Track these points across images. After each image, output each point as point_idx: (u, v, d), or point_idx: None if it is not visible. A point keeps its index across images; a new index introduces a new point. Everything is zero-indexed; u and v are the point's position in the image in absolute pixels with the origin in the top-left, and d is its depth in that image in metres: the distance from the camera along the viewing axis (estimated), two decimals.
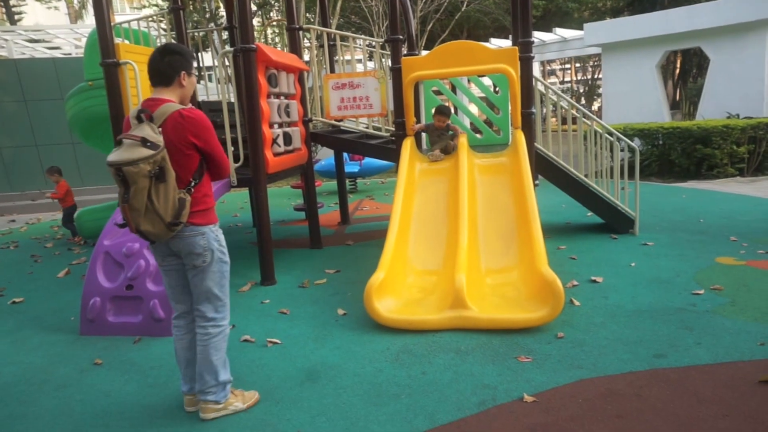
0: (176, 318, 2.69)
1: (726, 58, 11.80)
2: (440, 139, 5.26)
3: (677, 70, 19.31)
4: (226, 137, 4.60)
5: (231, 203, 9.96)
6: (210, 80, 10.41)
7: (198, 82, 9.43)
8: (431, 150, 5.22)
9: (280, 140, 4.97)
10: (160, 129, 2.35)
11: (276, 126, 5.05)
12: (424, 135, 5.76)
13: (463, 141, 5.06)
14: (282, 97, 5.18)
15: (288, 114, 5.24)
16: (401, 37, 5.24)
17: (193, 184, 2.46)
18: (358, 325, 3.68)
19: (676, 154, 9.56)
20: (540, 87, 5.67)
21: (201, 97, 6.74)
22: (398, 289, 3.83)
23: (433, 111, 5.32)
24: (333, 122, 6.18)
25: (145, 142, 2.25)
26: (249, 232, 7.07)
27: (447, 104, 6.19)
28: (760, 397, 2.49)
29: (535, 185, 4.73)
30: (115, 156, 2.25)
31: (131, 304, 3.83)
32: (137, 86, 4.52)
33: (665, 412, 2.43)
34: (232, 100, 5.91)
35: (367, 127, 6.33)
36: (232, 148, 4.60)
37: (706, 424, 2.31)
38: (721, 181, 8.99)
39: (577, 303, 3.81)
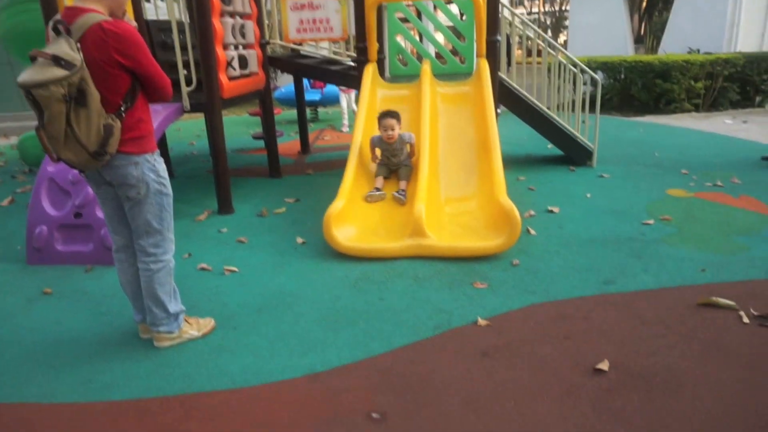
0: (116, 251, 2.55)
1: None
2: (394, 160, 4.14)
3: (644, 3, 19.14)
4: (177, 59, 4.33)
5: (186, 131, 9.58)
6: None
7: (147, 0, 8.77)
8: (378, 174, 4.14)
9: (235, 63, 4.71)
10: (79, 44, 2.06)
11: (231, 48, 4.77)
12: (387, 59, 5.56)
13: (426, 68, 4.92)
14: (237, 17, 4.87)
15: (243, 35, 4.95)
16: None
17: (123, 108, 2.22)
18: (317, 253, 3.67)
19: (637, 88, 9.64)
20: (507, 14, 5.51)
21: (150, 16, 6.28)
22: (357, 217, 3.81)
23: (377, 118, 4.15)
24: (292, 46, 5.90)
25: (57, 60, 1.97)
26: (206, 161, 6.85)
27: (412, 32, 5.94)
28: (696, 318, 2.63)
29: (498, 114, 4.69)
30: (24, 77, 1.97)
31: (81, 233, 3.70)
32: None
33: (610, 333, 2.55)
34: (184, 19, 5.53)
35: (328, 53, 6.08)
36: (185, 72, 4.34)
37: (645, 343, 2.44)
38: (677, 116, 9.17)
39: (533, 232, 3.89)
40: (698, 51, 10.79)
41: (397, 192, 4.01)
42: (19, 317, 2.95)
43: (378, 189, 4.04)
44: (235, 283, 3.27)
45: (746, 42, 11.50)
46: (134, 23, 2.32)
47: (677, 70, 9.05)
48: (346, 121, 9.05)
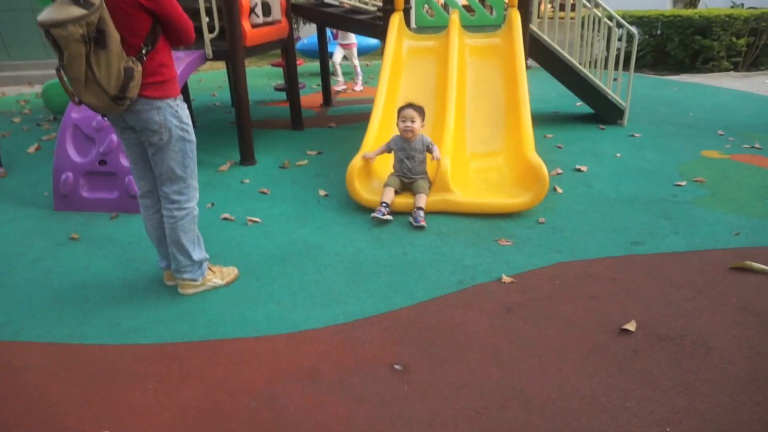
0: (141, 197, 2.54)
1: None
2: (409, 163, 3.47)
3: None
4: (200, 6, 4.22)
5: (209, 82, 9.50)
6: None
7: None
8: (387, 185, 3.46)
9: (258, 10, 4.59)
10: None
11: None
12: (413, 9, 5.36)
13: (454, 19, 4.73)
14: None
15: None
16: None
17: (144, 51, 2.18)
18: (339, 206, 3.64)
19: (673, 45, 9.21)
20: None
21: None
22: (381, 171, 3.76)
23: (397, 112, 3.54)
24: None
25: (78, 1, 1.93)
26: (228, 112, 6.80)
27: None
28: (728, 282, 2.56)
29: (527, 68, 4.51)
30: (43, 16, 1.94)
31: (106, 180, 3.72)
32: None
33: (637, 294, 2.49)
34: None
35: (353, 1, 5.88)
36: (207, 19, 4.24)
37: (674, 305, 2.39)
38: (714, 75, 8.77)
39: (560, 190, 3.79)
40: (742, 5, 10.22)
41: (413, 214, 3.28)
42: (48, 261, 3.00)
43: (386, 205, 3.33)
44: (257, 234, 3.27)
45: None
46: None
47: (719, 26, 8.60)
48: (341, 78, 8.44)
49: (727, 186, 3.80)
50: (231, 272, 2.74)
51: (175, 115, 2.32)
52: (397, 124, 3.53)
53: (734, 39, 8.68)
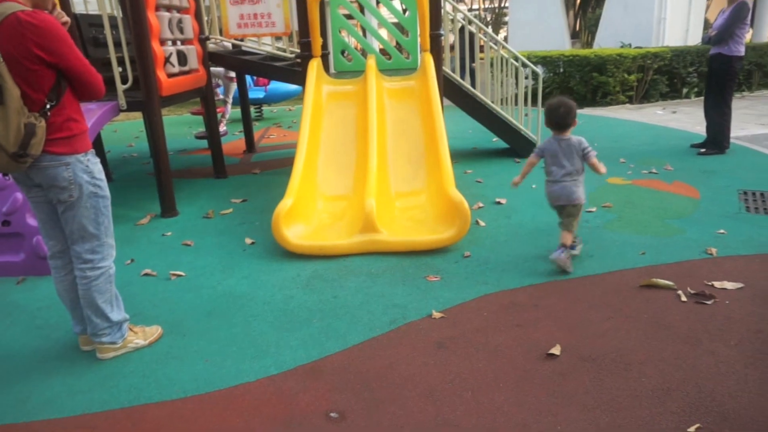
0: (51, 257, 2.39)
1: None
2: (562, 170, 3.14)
3: (578, 0, 19.83)
4: (111, 56, 4.12)
5: (125, 132, 9.18)
6: None
7: None
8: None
9: (174, 59, 4.54)
10: None
11: (168, 43, 4.59)
12: (331, 55, 5.50)
13: (371, 64, 4.90)
14: (173, 11, 4.69)
15: (182, 30, 4.77)
16: None
17: (48, 106, 2.08)
18: (267, 253, 3.59)
19: (575, 81, 9.97)
20: (449, 9, 5.56)
21: (79, 10, 5.95)
22: (308, 215, 3.76)
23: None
24: (234, 42, 5.74)
25: None
26: (146, 163, 6.58)
27: (356, 27, 5.90)
28: (639, 300, 2.74)
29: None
30: None
31: (10, 242, 3.46)
32: None
33: (560, 318, 2.61)
34: (117, 13, 5.28)
35: (271, 49, 5.96)
36: (120, 69, 4.14)
37: (594, 326, 2.52)
38: (613, 108, 9.55)
39: (482, 223, 3.95)
40: (630, 45, 11.28)
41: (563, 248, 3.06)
42: None
43: (566, 247, 3.06)
44: (182, 288, 3.14)
45: (672, 36, 12.13)
46: (66, 18, 2.17)
47: (611, 64, 9.42)
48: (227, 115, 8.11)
49: (632, 209, 4.11)
50: (154, 331, 2.61)
51: (86, 171, 2.23)
52: (548, 125, 3.20)
53: (626, 75, 9.54)
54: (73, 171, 2.18)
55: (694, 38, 12.75)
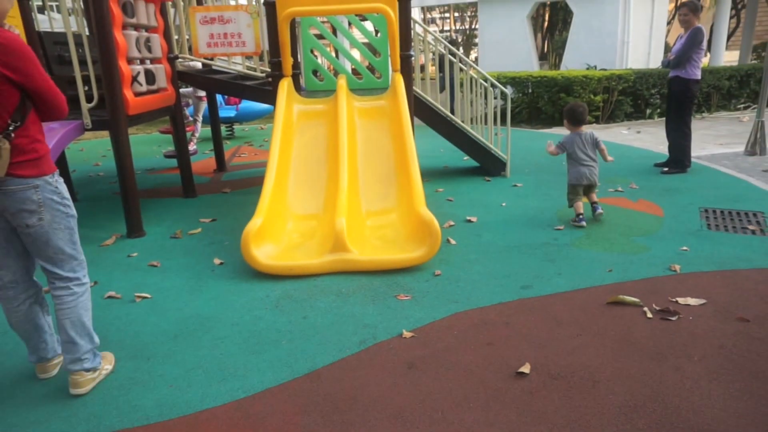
0: (2, 288, 2.26)
1: (587, 14, 12.65)
2: (587, 161, 4.34)
3: (546, 23, 20.42)
4: (77, 74, 4.05)
5: (91, 151, 8.99)
6: (55, 11, 9.08)
7: (41, 11, 8.16)
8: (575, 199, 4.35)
9: (141, 78, 4.49)
10: None
11: (136, 62, 4.54)
12: (303, 73, 5.52)
13: (341, 83, 4.93)
14: (142, 30, 4.65)
15: (149, 49, 4.73)
16: None
17: (12, 127, 2.02)
18: (235, 274, 3.53)
19: (543, 101, 10.20)
20: (419, 30, 5.66)
21: (44, 28, 5.85)
22: (277, 235, 3.72)
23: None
24: (204, 61, 5.71)
25: None
26: (113, 182, 6.44)
27: (327, 48, 5.95)
28: (607, 317, 2.78)
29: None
30: None
31: None
32: None
33: (529, 336, 2.63)
34: (83, 32, 5.21)
35: (242, 68, 5.94)
36: (85, 88, 4.07)
37: (563, 344, 2.54)
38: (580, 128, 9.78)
39: (453, 242, 3.97)
40: (595, 67, 11.62)
41: (594, 206, 4.33)
42: None
43: (581, 216, 4.24)
44: (147, 310, 3.06)
45: (635, 59, 12.57)
46: (17, 31, 2.12)
47: (578, 85, 9.68)
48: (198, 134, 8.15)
49: (599, 227, 4.19)
50: (110, 356, 2.52)
51: (55, 192, 2.16)
52: (568, 125, 4.47)
53: (592, 96, 9.81)
54: (42, 193, 2.12)
55: (656, 61, 13.23)
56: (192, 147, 7.48)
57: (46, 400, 2.27)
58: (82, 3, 4.79)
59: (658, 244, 3.76)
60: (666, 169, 5.98)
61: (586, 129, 4.45)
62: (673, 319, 2.72)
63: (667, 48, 15.80)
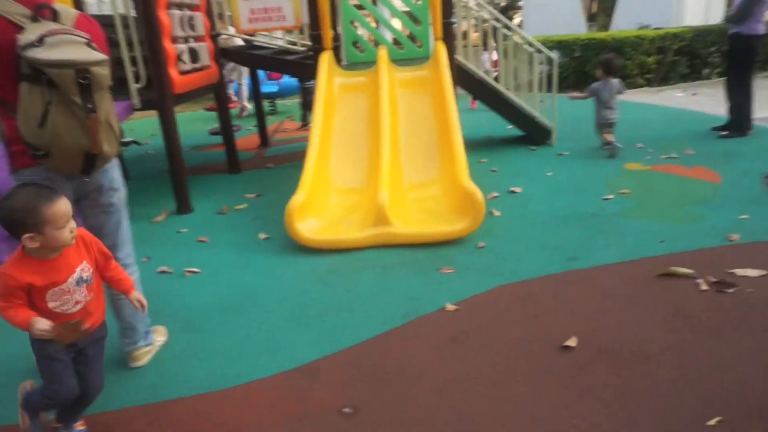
0: None
1: None
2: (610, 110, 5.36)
3: None
4: (124, 55, 4.15)
5: (141, 130, 9.26)
6: None
7: None
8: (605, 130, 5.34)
9: (186, 57, 4.55)
10: None
11: (180, 41, 4.61)
12: (343, 46, 5.46)
13: (382, 54, 4.86)
14: (185, 8, 4.69)
15: (193, 27, 4.78)
16: None
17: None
18: (281, 248, 3.60)
19: (591, 65, 9.77)
20: None
21: (92, 11, 6.00)
22: (320, 209, 3.76)
23: None
24: (245, 37, 5.74)
25: (89, 43, 1.88)
26: (161, 160, 6.61)
27: (368, 19, 5.87)
28: (656, 288, 2.69)
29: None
30: (77, 54, 1.81)
31: None
32: None
33: (576, 309, 2.58)
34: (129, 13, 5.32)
35: (283, 43, 5.95)
36: (132, 68, 4.17)
37: (609, 316, 2.48)
38: (631, 92, 9.34)
39: (497, 213, 3.90)
40: (648, 26, 11.03)
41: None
42: None
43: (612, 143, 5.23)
44: (197, 285, 3.17)
45: (693, 16, 11.82)
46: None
47: (629, 46, 9.22)
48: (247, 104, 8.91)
49: (650, 196, 4.03)
50: (163, 329, 2.61)
51: (120, 173, 2.27)
52: (602, 74, 5.44)
53: (644, 57, 9.33)
54: (118, 172, 2.22)
55: (715, 17, 12.40)
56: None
57: (107, 370, 2.40)
58: None
59: (715, 213, 3.58)
60: (725, 132, 5.66)
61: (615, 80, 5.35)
62: (730, 291, 2.60)
63: (729, 2, 14.78)
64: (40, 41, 1.79)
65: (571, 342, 2.29)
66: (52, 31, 1.82)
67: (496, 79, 5.82)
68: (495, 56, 6.76)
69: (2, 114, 1.97)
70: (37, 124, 1.83)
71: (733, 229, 3.30)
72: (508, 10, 12.70)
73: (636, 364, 2.13)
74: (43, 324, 1.65)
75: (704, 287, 2.66)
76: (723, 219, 3.47)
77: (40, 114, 1.83)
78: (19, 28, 1.84)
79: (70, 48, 1.83)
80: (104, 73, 1.88)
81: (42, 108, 1.83)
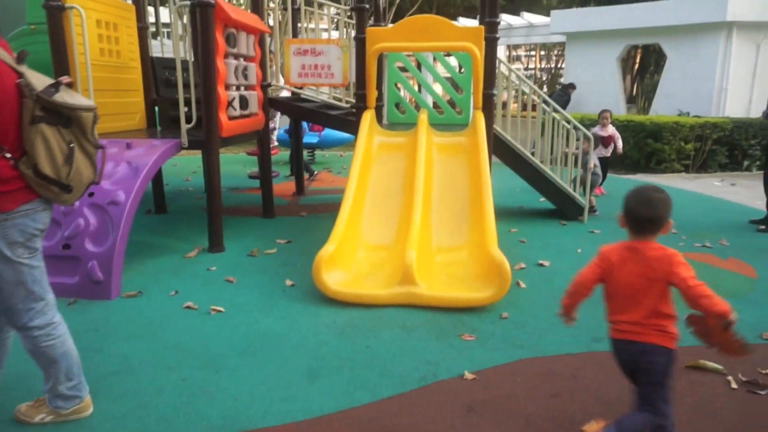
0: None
1: (682, 57, 12.14)
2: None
3: (636, 65, 19.79)
4: (179, 97, 4.41)
5: (184, 166, 9.63)
6: (166, 37, 9.90)
7: (154, 37, 8.93)
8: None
9: (236, 103, 4.80)
10: None
11: (233, 88, 4.87)
12: (385, 106, 5.66)
13: (422, 117, 5.03)
14: (240, 59, 4.99)
15: (246, 77, 5.06)
16: (367, 6, 5.12)
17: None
18: (305, 296, 3.63)
19: (629, 146, 9.83)
20: (503, 69, 5.68)
21: (156, 53, 6.42)
22: (348, 263, 3.80)
23: None
24: (292, 89, 6.02)
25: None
26: (200, 197, 6.85)
27: (411, 81, 6.10)
28: (684, 381, 2.60)
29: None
30: (76, 100, 2.02)
31: (67, 265, 3.65)
32: (84, 34, 4.24)
33: (598, 392, 2.51)
34: (188, 58, 5.66)
35: (328, 98, 6.21)
36: (186, 109, 4.41)
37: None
38: (667, 176, 9.33)
39: (523, 285, 3.88)
40: (688, 114, 11.09)
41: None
42: None
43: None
44: (219, 324, 3.21)
45: (734, 107, 11.85)
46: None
47: (668, 131, 9.27)
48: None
49: None
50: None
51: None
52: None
53: (682, 143, 9.35)
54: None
55: (758, 111, 12.41)
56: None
57: (124, 398, 2.43)
58: (191, 32, 5.22)
59: (749, 309, 3.48)
60: (763, 227, 5.56)
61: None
62: (762, 393, 2.50)
63: None
64: (55, 87, 1.97)
65: (590, 428, 2.23)
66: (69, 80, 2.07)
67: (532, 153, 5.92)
68: None
69: None
70: (64, 161, 2.01)
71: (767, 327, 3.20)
72: (568, 87, 12.94)
73: None
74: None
75: (734, 385, 2.57)
76: (758, 316, 3.37)
77: (66, 152, 2.02)
78: (18, 74, 1.92)
79: (71, 95, 2.04)
80: (91, 116, 2.09)
81: (66, 147, 2.02)
